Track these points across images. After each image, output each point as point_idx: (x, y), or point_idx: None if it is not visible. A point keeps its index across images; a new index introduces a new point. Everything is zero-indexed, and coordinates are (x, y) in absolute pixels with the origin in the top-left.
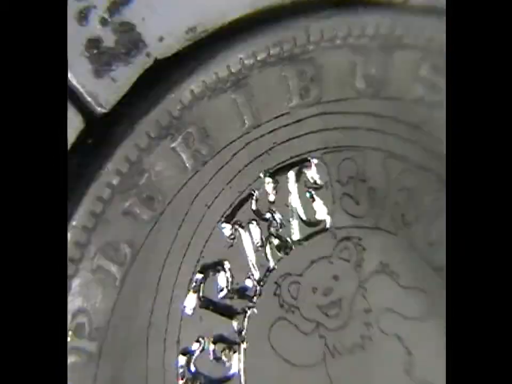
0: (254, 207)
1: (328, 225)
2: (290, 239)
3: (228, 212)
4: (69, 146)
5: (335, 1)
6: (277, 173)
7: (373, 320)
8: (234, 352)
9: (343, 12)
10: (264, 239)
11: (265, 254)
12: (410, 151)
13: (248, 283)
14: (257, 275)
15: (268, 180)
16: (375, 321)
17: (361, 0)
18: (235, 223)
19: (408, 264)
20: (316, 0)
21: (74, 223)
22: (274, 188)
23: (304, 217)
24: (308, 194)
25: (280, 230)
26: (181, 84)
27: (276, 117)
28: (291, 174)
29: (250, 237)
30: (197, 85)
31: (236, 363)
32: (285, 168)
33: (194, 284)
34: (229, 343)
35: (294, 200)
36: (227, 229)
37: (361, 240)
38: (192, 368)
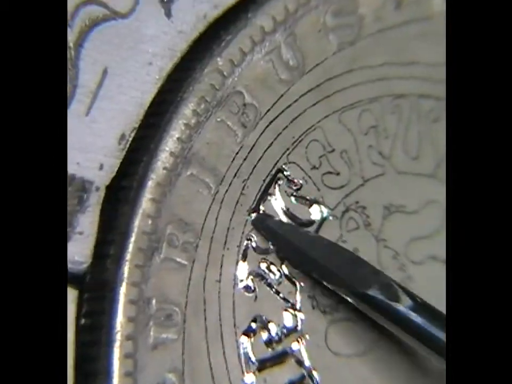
0: (255, 246)
1: (325, 214)
2: None
3: (237, 271)
4: None
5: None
6: (259, 204)
7: (404, 261)
8: None
9: (238, 29)
10: (279, 268)
11: (288, 279)
12: (355, 94)
13: (287, 317)
14: (290, 303)
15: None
16: (406, 259)
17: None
18: (248, 275)
19: (408, 188)
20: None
21: None
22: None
23: (301, 221)
24: (293, 199)
25: None
26: (138, 198)
27: (233, 160)
28: (272, 197)
29: (267, 276)
30: (154, 190)
31: None
32: (263, 194)
33: (243, 355)
34: (300, 382)
35: (285, 213)
36: (244, 285)
37: (358, 202)
38: None
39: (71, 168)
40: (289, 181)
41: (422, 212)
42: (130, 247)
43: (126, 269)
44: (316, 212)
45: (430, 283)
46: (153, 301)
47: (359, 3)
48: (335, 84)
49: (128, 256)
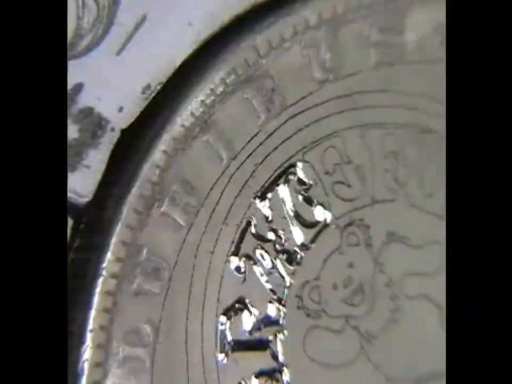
0: (254, 231)
1: (328, 221)
2: (297, 247)
3: (232, 249)
4: None
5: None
6: (266, 192)
7: (397, 291)
8: (277, 381)
9: (283, 14)
10: (273, 259)
11: (279, 273)
12: (383, 115)
13: (271, 309)
14: (277, 297)
15: (261, 202)
16: (399, 290)
17: None
18: (242, 257)
19: (415, 222)
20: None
21: (90, 327)
22: (269, 207)
23: (304, 221)
24: (300, 198)
25: (285, 243)
26: (151, 147)
27: (250, 140)
28: (280, 187)
29: (260, 263)
30: (168, 143)
31: None
32: (272, 184)
33: (220, 332)
34: (269, 374)
35: (289, 209)
36: (235, 265)
37: (364, 220)
38: None
39: (91, 102)
40: (300, 180)
41: (424, 249)
42: (133, 191)
43: (124, 211)
44: (319, 214)
45: (416, 321)
46: (144, 250)
47: (406, 26)
48: (365, 99)
49: (129, 199)
